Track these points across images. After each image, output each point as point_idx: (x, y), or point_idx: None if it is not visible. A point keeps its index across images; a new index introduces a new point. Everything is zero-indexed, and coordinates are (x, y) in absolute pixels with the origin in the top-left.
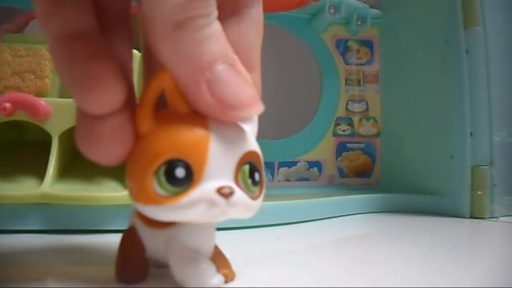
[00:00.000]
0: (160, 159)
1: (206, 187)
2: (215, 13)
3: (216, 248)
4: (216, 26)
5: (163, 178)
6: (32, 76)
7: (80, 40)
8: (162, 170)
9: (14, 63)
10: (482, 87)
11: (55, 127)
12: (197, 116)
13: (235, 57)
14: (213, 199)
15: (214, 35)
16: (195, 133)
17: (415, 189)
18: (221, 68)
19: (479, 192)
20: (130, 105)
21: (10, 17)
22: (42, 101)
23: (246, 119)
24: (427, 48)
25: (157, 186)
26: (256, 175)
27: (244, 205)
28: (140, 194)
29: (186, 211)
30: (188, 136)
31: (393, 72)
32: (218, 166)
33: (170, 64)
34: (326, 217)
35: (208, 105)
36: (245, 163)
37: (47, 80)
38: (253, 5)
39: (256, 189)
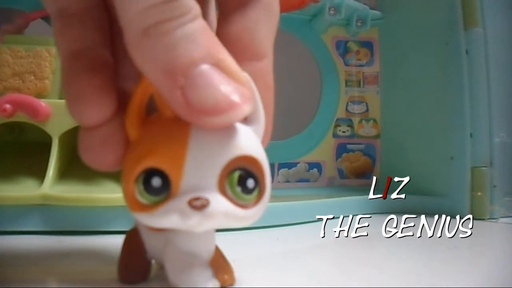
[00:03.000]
0: (139, 167)
1: (179, 199)
2: (192, 12)
3: (218, 252)
4: (194, 25)
5: (141, 187)
6: (32, 77)
7: (80, 56)
8: (141, 179)
9: (14, 64)
10: (482, 88)
11: (55, 128)
12: (180, 122)
13: (222, 55)
14: (184, 212)
15: (189, 36)
16: (173, 142)
17: (415, 190)
18: (199, 70)
19: (479, 193)
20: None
21: (9, 18)
22: (42, 102)
23: (225, 124)
24: (427, 49)
25: (137, 194)
26: (250, 182)
27: (227, 215)
28: (125, 199)
29: (162, 220)
30: (165, 145)
31: (393, 73)
32: (198, 175)
33: (144, 71)
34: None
35: (184, 111)
36: (235, 170)
37: (47, 81)
38: None
39: (249, 197)
